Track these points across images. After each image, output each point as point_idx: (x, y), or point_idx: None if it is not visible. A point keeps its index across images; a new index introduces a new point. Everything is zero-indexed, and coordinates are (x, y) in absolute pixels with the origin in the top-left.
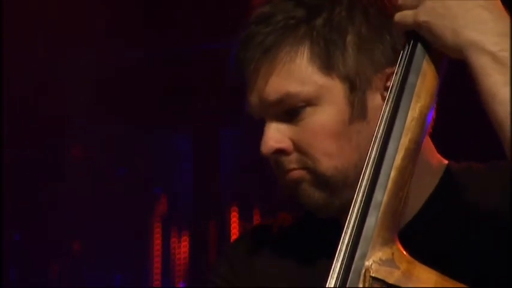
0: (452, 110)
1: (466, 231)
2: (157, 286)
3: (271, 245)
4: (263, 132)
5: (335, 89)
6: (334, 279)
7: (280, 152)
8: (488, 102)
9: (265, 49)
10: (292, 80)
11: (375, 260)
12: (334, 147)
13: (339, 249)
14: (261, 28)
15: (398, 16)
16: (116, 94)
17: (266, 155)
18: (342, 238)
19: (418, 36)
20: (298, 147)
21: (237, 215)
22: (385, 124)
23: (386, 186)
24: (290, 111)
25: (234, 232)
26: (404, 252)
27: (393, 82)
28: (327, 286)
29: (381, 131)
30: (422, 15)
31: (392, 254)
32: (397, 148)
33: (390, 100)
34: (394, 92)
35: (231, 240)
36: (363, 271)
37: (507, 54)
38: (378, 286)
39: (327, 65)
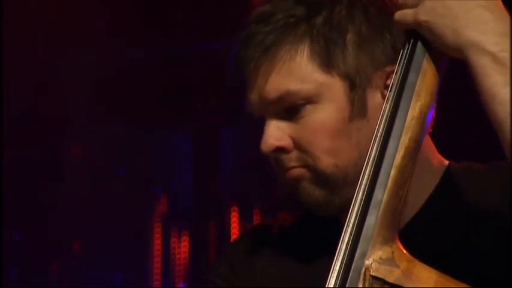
0: (452, 110)
1: (466, 231)
2: (157, 286)
3: (271, 245)
4: (263, 131)
5: (335, 87)
6: (334, 278)
7: (280, 150)
8: (488, 102)
9: (266, 48)
10: (292, 78)
11: (375, 259)
12: (334, 145)
13: (338, 248)
14: (261, 27)
15: (399, 15)
16: (116, 94)
17: (266, 153)
18: (341, 237)
19: (418, 35)
20: (298, 145)
21: (237, 215)
22: (385, 123)
23: (386, 185)
24: (290, 109)
25: (234, 232)
26: (405, 251)
27: (393, 81)
28: (327, 285)
29: (381, 129)
30: (423, 14)
31: (393, 252)
32: (397, 147)
33: (390, 99)
34: (394, 90)
35: (231, 240)
36: (363, 270)
37: (507, 54)
38: (378, 285)
39: (327, 63)
